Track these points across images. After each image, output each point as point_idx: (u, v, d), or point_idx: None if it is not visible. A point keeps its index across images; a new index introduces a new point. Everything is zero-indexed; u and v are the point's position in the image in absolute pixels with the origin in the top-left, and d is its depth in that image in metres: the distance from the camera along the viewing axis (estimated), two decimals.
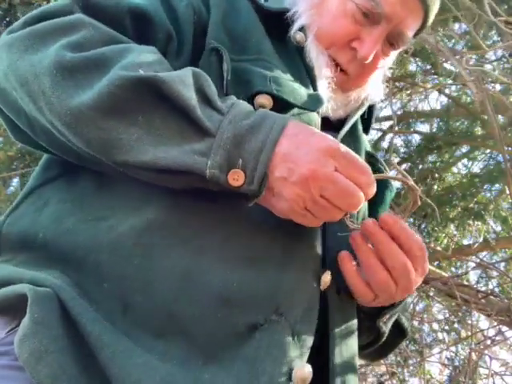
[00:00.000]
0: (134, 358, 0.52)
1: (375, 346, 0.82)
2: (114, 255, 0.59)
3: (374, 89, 0.85)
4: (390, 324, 0.78)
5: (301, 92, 0.71)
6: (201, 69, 0.66)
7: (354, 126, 0.86)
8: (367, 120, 0.90)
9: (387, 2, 0.76)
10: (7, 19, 3.10)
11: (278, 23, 0.78)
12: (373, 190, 0.60)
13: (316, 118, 0.72)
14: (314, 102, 0.71)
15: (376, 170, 0.84)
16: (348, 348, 0.69)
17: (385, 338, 0.80)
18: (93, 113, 0.56)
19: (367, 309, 0.73)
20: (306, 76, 0.76)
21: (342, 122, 0.83)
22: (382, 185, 0.83)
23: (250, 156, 0.56)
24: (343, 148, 0.59)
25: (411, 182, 0.66)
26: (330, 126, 0.79)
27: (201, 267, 0.59)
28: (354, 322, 0.72)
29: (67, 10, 0.64)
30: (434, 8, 0.83)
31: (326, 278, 0.66)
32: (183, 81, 0.59)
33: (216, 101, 0.59)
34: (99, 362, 0.51)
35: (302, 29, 0.78)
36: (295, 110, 0.69)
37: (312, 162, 0.57)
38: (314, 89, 0.76)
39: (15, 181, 3.14)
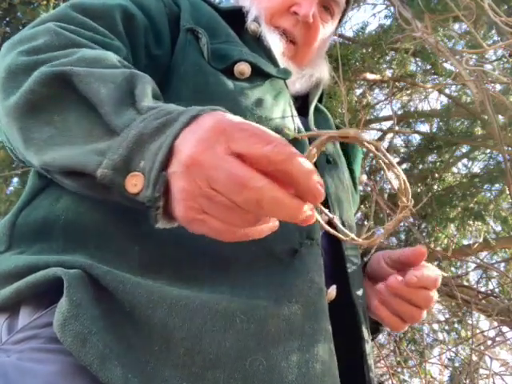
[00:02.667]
0: (190, 303, 0.53)
1: None
2: (140, 220, 0.59)
3: (322, 70, 0.96)
4: None
5: (271, 66, 0.80)
6: (178, 48, 0.75)
7: (316, 106, 0.96)
8: (320, 101, 1.01)
9: None
10: (7, 19, 3.10)
11: (232, 20, 0.86)
12: (294, 161, 0.44)
13: (286, 87, 0.81)
14: (284, 73, 0.80)
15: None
16: (358, 268, 0.79)
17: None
18: (16, 111, 0.56)
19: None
20: (268, 61, 0.83)
21: (303, 107, 0.93)
22: (351, 146, 0.98)
23: (151, 156, 0.48)
24: (238, 120, 0.47)
25: (364, 138, 0.52)
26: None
27: None
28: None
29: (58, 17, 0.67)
30: None
31: (325, 217, 0.75)
32: (104, 77, 0.55)
33: (140, 101, 0.53)
34: (154, 321, 0.51)
35: (255, 20, 0.88)
36: (268, 80, 0.77)
37: (194, 146, 0.46)
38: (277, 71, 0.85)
39: (15, 180, 3.14)
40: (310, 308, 0.58)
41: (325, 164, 0.83)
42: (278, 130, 0.72)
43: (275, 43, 0.85)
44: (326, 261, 0.68)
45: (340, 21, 1.01)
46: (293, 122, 0.76)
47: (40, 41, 0.62)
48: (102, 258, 0.58)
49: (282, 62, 0.86)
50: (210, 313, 0.53)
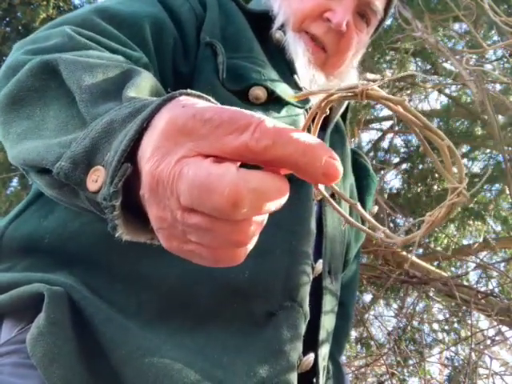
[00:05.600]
0: (149, 356, 0.51)
1: None
2: (125, 256, 0.58)
3: (351, 82, 0.88)
4: None
5: (289, 91, 0.74)
6: (198, 63, 0.70)
7: (337, 122, 0.88)
8: (344, 114, 0.93)
9: None
10: (7, 19, 3.10)
11: (260, 24, 0.82)
12: (285, 142, 0.32)
13: (303, 114, 0.75)
14: (302, 101, 0.74)
15: (359, 163, 0.92)
16: (330, 322, 0.75)
17: None
18: (1, 104, 0.52)
19: None
20: (288, 74, 0.79)
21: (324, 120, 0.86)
22: (366, 176, 0.91)
23: (116, 145, 0.38)
24: (199, 107, 0.35)
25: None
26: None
27: None
28: (336, 303, 0.78)
29: (82, 19, 0.63)
30: None
31: (319, 266, 0.70)
32: (93, 66, 0.49)
33: (128, 92, 0.45)
34: (112, 364, 0.51)
35: (281, 28, 0.82)
36: (285, 108, 0.72)
37: (150, 158, 0.35)
38: (297, 86, 0.79)
39: (15, 181, 3.14)
40: None
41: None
42: None
43: (299, 53, 0.79)
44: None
45: (376, 30, 0.93)
46: None
47: (50, 42, 0.57)
48: (84, 281, 0.57)
49: (308, 72, 0.80)
50: (164, 371, 0.51)
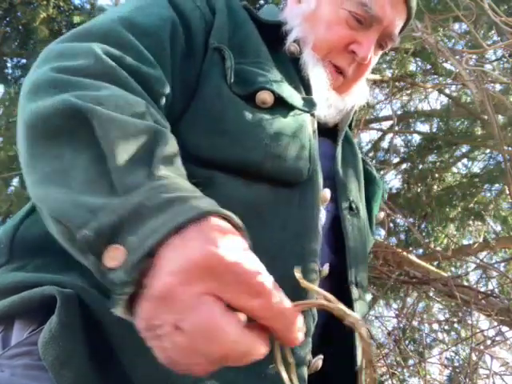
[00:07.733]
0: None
1: None
2: None
3: (362, 93, 0.91)
4: None
5: (296, 95, 0.75)
6: (205, 68, 0.71)
7: (346, 135, 0.90)
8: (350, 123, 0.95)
9: (378, 5, 0.81)
10: (7, 19, 3.11)
11: (272, 34, 0.82)
12: (279, 320, 0.42)
13: (310, 120, 0.76)
14: (309, 105, 0.75)
15: (364, 171, 0.91)
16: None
17: None
18: (30, 132, 0.53)
19: None
20: (301, 86, 0.79)
21: (330, 128, 0.87)
22: (374, 185, 0.92)
23: (144, 235, 0.42)
24: (231, 257, 0.41)
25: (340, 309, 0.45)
26: (323, 135, 0.83)
27: None
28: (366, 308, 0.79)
29: (107, 28, 0.64)
30: (414, 6, 0.89)
31: (325, 269, 0.71)
32: (125, 127, 0.50)
33: (157, 163, 0.48)
34: (122, 365, 0.51)
35: (295, 41, 0.82)
36: (291, 112, 0.72)
37: (173, 274, 0.40)
38: (306, 93, 0.79)
39: (15, 180, 3.14)
40: None
41: (347, 213, 0.78)
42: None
43: (321, 78, 0.81)
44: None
45: None
46: (309, 162, 0.72)
47: (77, 62, 0.57)
48: (95, 282, 0.55)
49: (322, 95, 0.81)
50: (175, 371, 0.51)
